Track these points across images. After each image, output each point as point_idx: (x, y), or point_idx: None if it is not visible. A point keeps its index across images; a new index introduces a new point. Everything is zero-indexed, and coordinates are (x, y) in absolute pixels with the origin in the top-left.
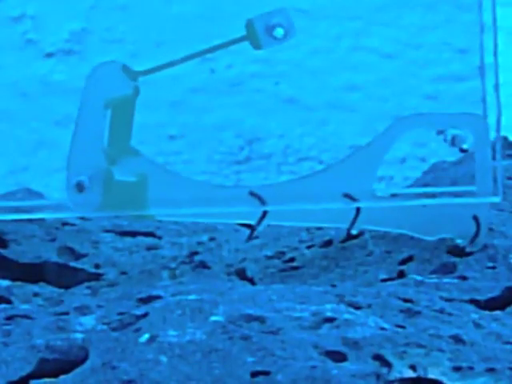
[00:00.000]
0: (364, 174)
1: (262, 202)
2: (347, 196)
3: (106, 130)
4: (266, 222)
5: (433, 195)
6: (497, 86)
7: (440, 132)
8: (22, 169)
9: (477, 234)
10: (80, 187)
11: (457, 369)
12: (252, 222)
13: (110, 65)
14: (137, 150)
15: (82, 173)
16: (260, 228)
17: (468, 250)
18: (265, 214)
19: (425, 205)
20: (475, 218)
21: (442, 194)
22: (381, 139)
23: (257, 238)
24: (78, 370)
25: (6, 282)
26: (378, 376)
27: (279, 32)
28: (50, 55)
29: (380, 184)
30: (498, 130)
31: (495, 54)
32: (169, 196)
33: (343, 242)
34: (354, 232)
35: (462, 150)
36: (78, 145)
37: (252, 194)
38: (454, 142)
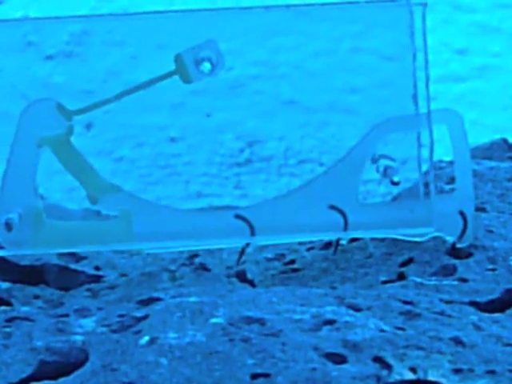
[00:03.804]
0: (348, 183)
1: (249, 224)
2: (333, 207)
3: (38, 169)
4: (254, 242)
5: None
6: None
7: (373, 162)
8: None
9: (464, 230)
10: (8, 226)
11: (457, 371)
12: (239, 245)
13: (45, 103)
14: (117, 186)
15: (12, 211)
16: (249, 249)
17: (458, 245)
18: (252, 234)
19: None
20: (461, 214)
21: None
22: (361, 146)
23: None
24: (78, 372)
25: (6, 284)
26: (379, 378)
27: (206, 66)
28: (50, 57)
29: (380, 186)
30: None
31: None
32: (154, 228)
33: (343, 244)
34: (343, 242)
35: (393, 183)
36: (10, 182)
37: (238, 216)
38: (385, 173)
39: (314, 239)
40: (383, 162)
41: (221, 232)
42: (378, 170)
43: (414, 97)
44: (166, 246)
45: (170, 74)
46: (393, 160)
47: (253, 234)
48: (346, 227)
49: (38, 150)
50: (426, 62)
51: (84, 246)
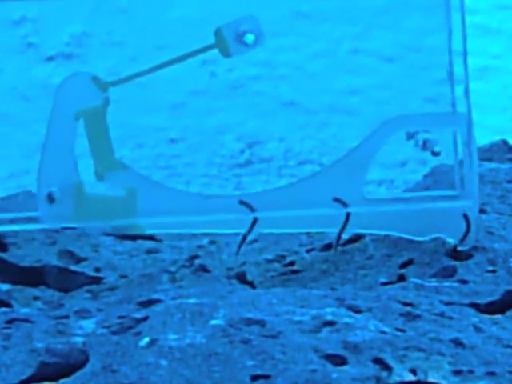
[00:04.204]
0: (353, 178)
1: (252, 210)
2: (337, 200)
3: (76, 142)
4: (256, 230)
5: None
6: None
7: (410, 137)
8: (23, 172)
9: (467, 232)
10: (50, 198)
11: (457, 372)
12: (242, 231)
13: (80, 76)
14: (124, 163)
15: (53, 184)
16: (250, 236)
17: (459, 248)
18: (255, 222)
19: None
20: (465, 216)
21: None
22: (368, 142)
23: (256, 241)
24: (78, 374)
25: (6, 286)
26: (378, 380)
27: (249, 38)
28: (50, 59)
29: (380, 187)
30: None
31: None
32: (158, 208)
33: (343, 245)
34: (344, 237)
35: (434, 153)
36: (49, 156)
37: (241, 202)
38: (425, 145)
39: (316, 229)
40: (421, 136)
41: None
42: (416, 144)
43: (450, 75)
44: (166, 224)
45: (209, 48)
46: (429, 132)
47: (255, 221)
48: (348, 219)
49: (76, 123)
50: (464, 38)
51: (121, 219)
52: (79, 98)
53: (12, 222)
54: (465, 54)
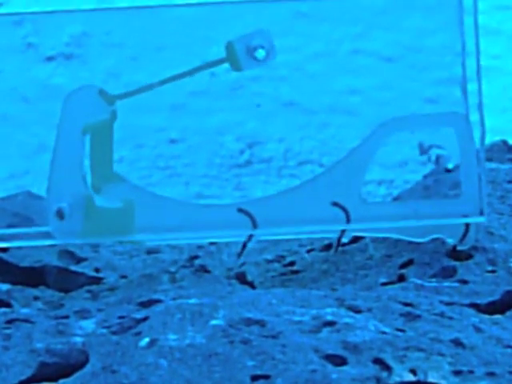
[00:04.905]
0: (351, 181)
1: (251, 218)
2: (336, 204)
3: (85, 156)
4: (256, 237)
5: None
6: (480, 105)
7: (423, 152)
8: (22, 172)
9: (466, 232)
10: (60, 214)
11: (457, 373)
12: (241, 239)
13: (87, 89)
14: (121, 176)
15: (62, 200)
16: (250, 244)
17: (459, 248)
18: (251, 237)
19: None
20: (464, 217)
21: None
22: (366, 145)
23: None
24: (78, 374)
25: (6, 286)
26: (378, 380)
27: (260, 53)
28: (50, 59)
29: (380, 187)
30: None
31: (479, 79)
32: (156, 220)
33: (343, 245)
34: (344, 240)
35: (447, 170)
36: (57, 171)
37: (240, 210)
38: (438, 162)
39: (315, 235)
40: (434, 151)
41: (223, 225)
42: (429, 160)
43: (463, 87)
44: (171, 238)
45: (220, 62)
46: (442, 148)
47: (255, 227)
48: (348, 223)
49: (83, 137)
50: (477, 45)
51: (123, 233)
52: (86, 111)
53: (10, 225)
54: (478, 66)
